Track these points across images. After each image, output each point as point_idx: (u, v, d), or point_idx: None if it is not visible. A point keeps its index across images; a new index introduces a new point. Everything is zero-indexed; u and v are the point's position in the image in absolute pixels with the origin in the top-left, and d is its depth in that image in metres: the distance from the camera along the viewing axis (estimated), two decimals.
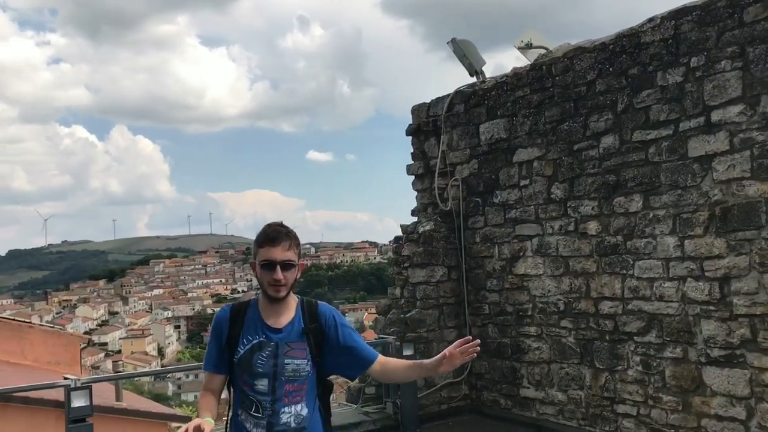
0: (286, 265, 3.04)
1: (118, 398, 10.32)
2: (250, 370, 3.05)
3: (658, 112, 5.99)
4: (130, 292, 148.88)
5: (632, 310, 6.25)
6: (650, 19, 6.11)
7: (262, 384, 3.05)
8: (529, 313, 7.24)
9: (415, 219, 8.37)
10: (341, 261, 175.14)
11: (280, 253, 3.03)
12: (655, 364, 6.07)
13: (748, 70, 5.36)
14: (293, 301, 3.19)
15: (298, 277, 3.13)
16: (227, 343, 3.10)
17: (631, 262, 6.24)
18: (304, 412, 3.09)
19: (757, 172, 5.31)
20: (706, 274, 5.66)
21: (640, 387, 6.21)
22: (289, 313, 3.15)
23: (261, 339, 3.08)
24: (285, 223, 3.14)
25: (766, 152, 5.26)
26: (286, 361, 3.07)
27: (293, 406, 3.07)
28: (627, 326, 6.29)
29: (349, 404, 7.71)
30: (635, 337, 6.23)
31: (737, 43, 5.42)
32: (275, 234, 3.07)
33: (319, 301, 3.28)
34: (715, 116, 5.57)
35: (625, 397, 6.33)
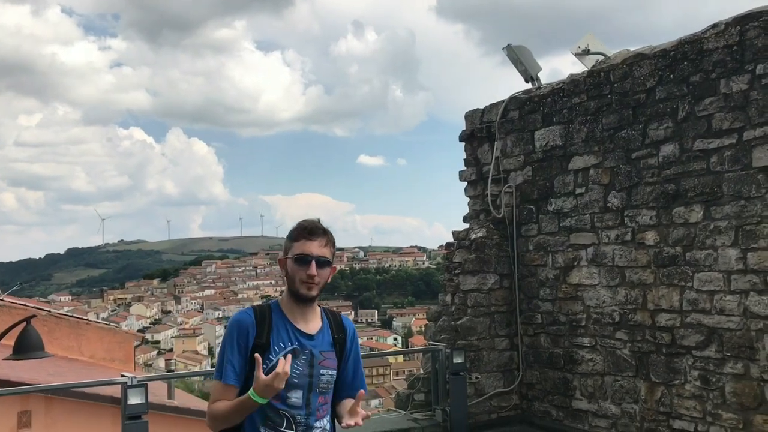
0: (321, 262, 2.81)
1: (170, 396, 10.54)
2: None
3: (720, 121, 5.83)
4: (182, 292, 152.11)
5: (691, 324, 6.08)
6: (714, 25, 5.95)
7: (296, 396, 2.77)
8: (583, 323, 7.12)
9: (467, 225, 8.32)
10: (390, 265, 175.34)
11: (316, 248, 2.81)
12: (714, 380, 5.90)
13: None
14: (317, 307, 2.95)
15: (329, 279, 2.89)
16: (253, 351, 2.73)
17: (691, 274, 6.08)
18: (329, 427, 2.90)
19: None
20: None
21: (698, 403, 6.03)
22: (316, 319, 2.92)
23: (295, 346, 2.80)
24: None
25: None
26: (322, 371, 2.83)
27: (322, 420, 2.86)
28: (685, 340, 6.12)
29: (398, 410, 7.70)
30: (693, 351, 6.06)
31: None
32: (313, 228, 2.85)
33: (340, 313, 3.08)
34: None
35: (682, 413, 6.16)
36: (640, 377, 6.54)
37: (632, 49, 7.00)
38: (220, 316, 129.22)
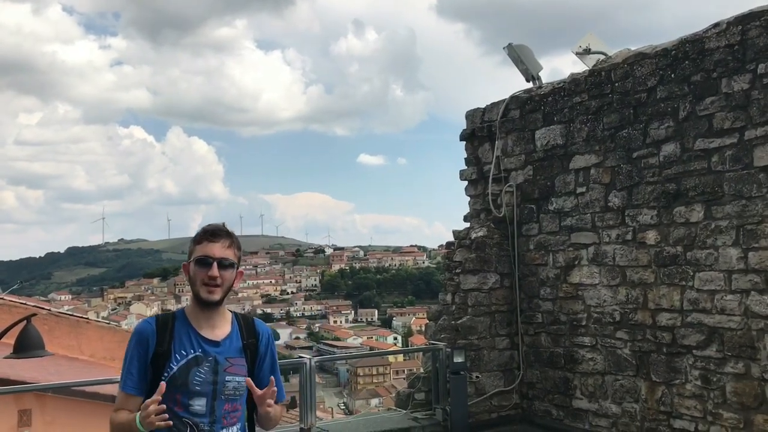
0: (224, 264, 2.77)
1: None
2: (185, 389, 2.71)
3: (722, 120, 5.82)
4: (182, 291, 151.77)
5: (691, 323, 6.07)
6: (715, 25, 5.95)
7: (200, 404, 2.73)
8: (584, 323, 7.11)
9: (468, 225, 8.31)
10: (390, 265, 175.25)
11: (219, 249, 2.77)
12: (715, 379, 5.89)
13: None
14: (227, 312, 2.90)
15: (235, 283, 2.85)
16: (153, 360, 2.73)
17: (691, 274, 6.07)
18: None
19: None
20: None
21: (698, 402, 6.03)
22: (225, 324, 2.86)
23: (197, 353, 2.75)
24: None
25: None
26: (227, 378, 2.78)
27: (231, 428, 2.81)
28: (686, 339, 6.12)
29: (399, 409, 7.70)
30: (694, 351, 6.05)
31: None
32: (215, 230, 2.82)
33: (253, 317, 3.05)
34: None
35: (683, 412, 6.16)
36: (640, 377, 6.54)
37: (633, 48, 6.99)
38: None
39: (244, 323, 2.93)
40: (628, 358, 6.65)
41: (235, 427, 2.82)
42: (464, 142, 8.67)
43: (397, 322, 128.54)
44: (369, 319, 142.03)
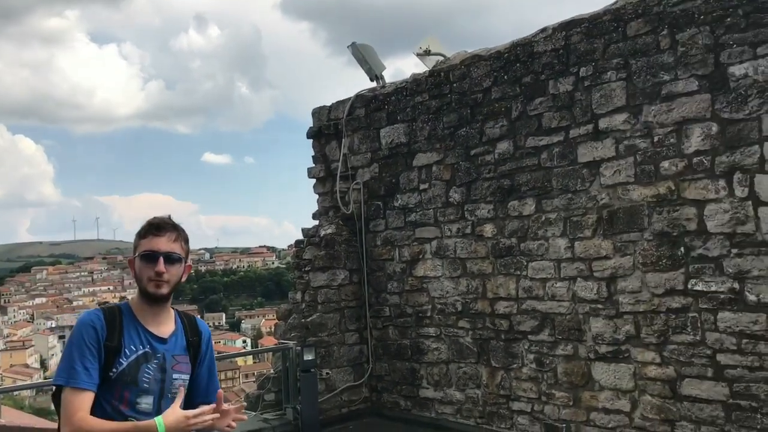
0: (171, 258, 2.70)
1: None
2: (134, 386, 2.64)
3: (549, 119, 6.25)
4: (9, 302, 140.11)
5: (526, 310, 6.47)
6: (543, 30, 6.37)
7: (147, 402, 2.66)
8: (429, 314, 7.36)
9: (317, 222, 8.34)
10: (238, 267, 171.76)
11: (165, 243, 2.70)
12: (547, 362, 6.32)
13: (631, 81, 5.70)
14: (171, 309, 2.84)
15: (183, 278, 2.79)
16: (102, 354, 2.62)
17: (525, 264, 6.47)
18: None
19: (640, 178, 5.65)
20: (595, 274, 5.95)
21: (533, 384, 6.44)
22: (170, 322, 2.82)
23: (146, 349, 2.70)
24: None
25: (648, 159, 5.60)
26: (174, 376, 2.74)
27: None
28: (521, 325, 6.51)
29: (248, 411, 7.57)
30: (529, 336, 6.46)
31: (621, 55, 5.75)
32: (161, 223, 2.75)
33: (194, 315, 3.02)
34: (602, 124, 5.87)
35: (520, 395, 6.55)
36: (481, 363, 6.88)
37: (470, 50, 7.33)
38: (53, 325, 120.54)
39: (187, 321, 2.89)
40: (470, 346, 6.97)
41: None
42: (312, 140, 8.69)
43: (246, 324, 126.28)
44: (216, 324, 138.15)
